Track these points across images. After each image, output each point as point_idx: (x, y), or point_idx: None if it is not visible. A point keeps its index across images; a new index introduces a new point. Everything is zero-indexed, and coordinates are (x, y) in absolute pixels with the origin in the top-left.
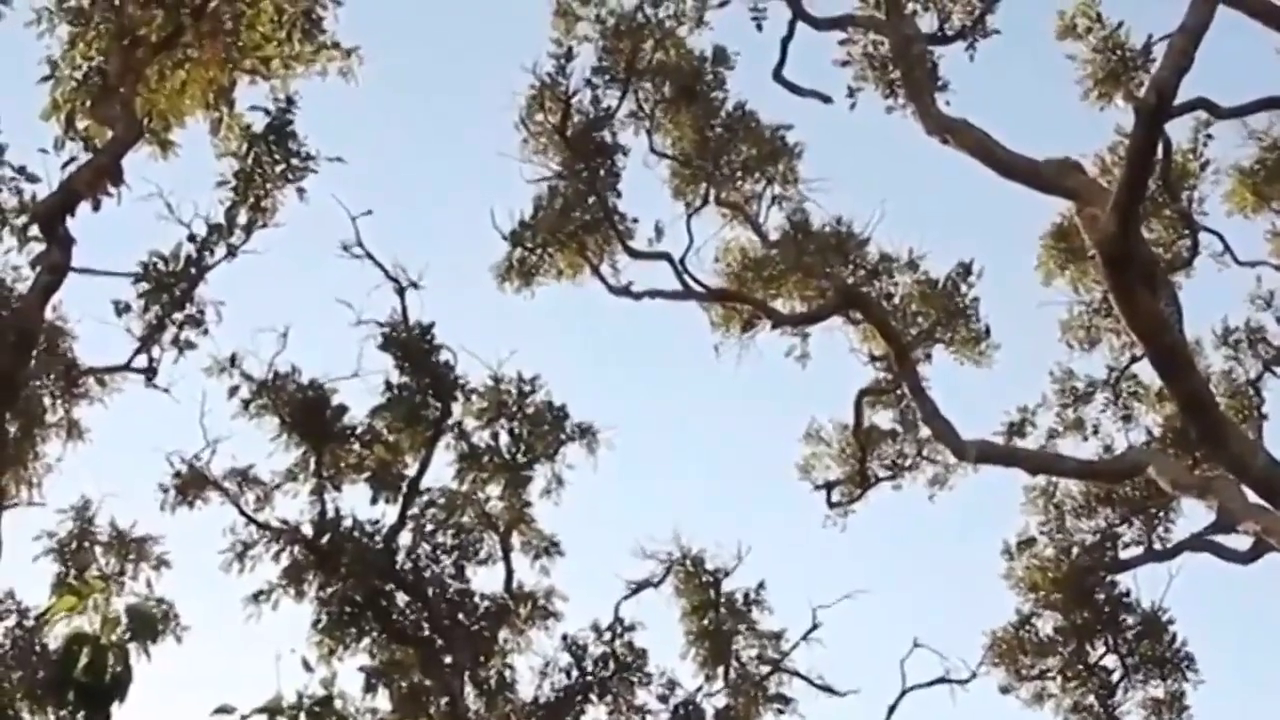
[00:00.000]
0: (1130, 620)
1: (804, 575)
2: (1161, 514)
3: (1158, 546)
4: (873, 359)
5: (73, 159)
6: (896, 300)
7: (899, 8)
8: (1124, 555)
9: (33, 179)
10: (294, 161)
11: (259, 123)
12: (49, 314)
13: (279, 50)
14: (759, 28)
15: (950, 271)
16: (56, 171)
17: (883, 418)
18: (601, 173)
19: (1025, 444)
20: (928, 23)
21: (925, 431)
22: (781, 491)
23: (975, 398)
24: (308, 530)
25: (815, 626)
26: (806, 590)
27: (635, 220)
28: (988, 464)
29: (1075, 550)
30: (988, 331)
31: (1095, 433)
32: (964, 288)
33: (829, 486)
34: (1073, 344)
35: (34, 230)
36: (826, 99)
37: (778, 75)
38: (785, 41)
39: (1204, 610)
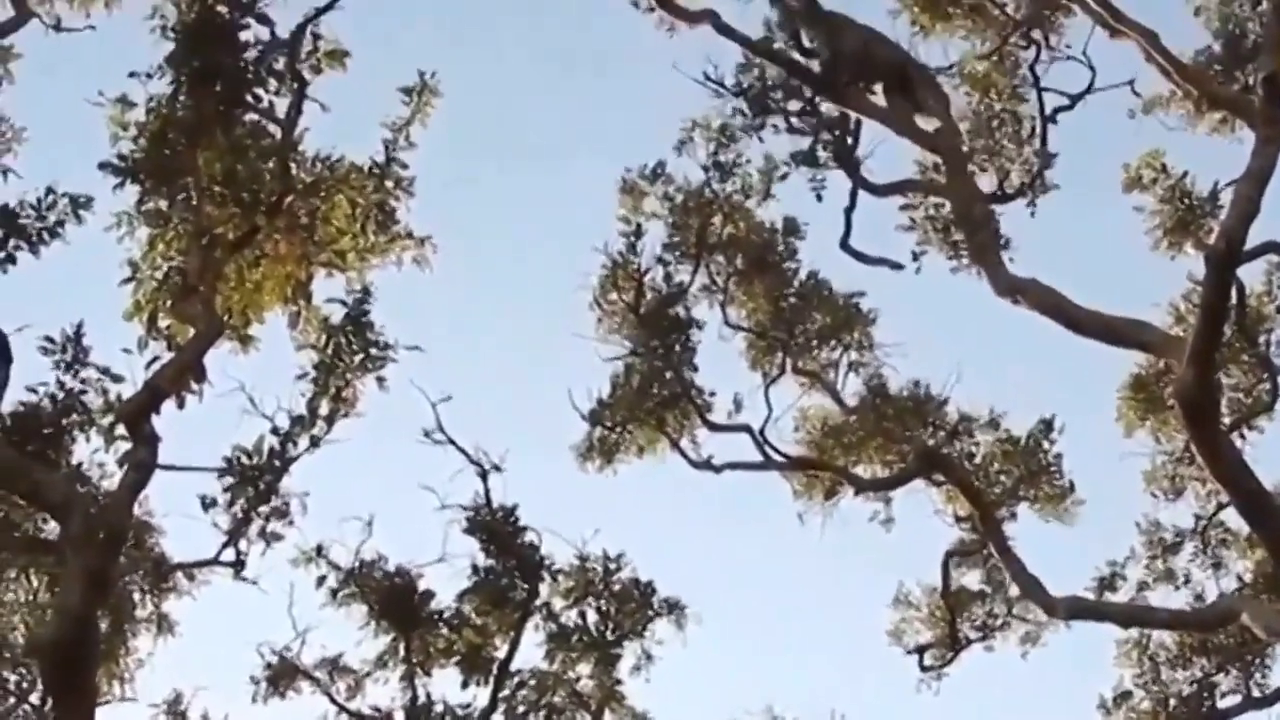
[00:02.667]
0: None
1: None
2: (1258, 661)
3: (1256, 694)
4: (957, 520)
5: (156, 358)
6: (978, 460)
7: (958, 169)
8: (1222, 704)
9: (117, 379)
10: (372, 351)
11: (337, 314)
12: (137, 511)
13: (354, 243)
14: (819, 198)
15: (1031, 429)
16: (140, 370)
17: (971, 578)
18: (677, 348)
19: (1116, 597)
20: (987, 181)
21: (1014, 590)
22: (873, 657)
23: (1063, 553)
24: (400, 717)
25: None
26: None
27: (713, 394)
28: (1079, 619)
29: (1173, 702)
30: (1072, 487)
31: (1186, 582)
32: (1046, 444)
33: (920, 650)
34: (1158, 494)
35: (120, 429)
36: (897, 266)
37: (844, 245)
38: (849, 211)
39: None
